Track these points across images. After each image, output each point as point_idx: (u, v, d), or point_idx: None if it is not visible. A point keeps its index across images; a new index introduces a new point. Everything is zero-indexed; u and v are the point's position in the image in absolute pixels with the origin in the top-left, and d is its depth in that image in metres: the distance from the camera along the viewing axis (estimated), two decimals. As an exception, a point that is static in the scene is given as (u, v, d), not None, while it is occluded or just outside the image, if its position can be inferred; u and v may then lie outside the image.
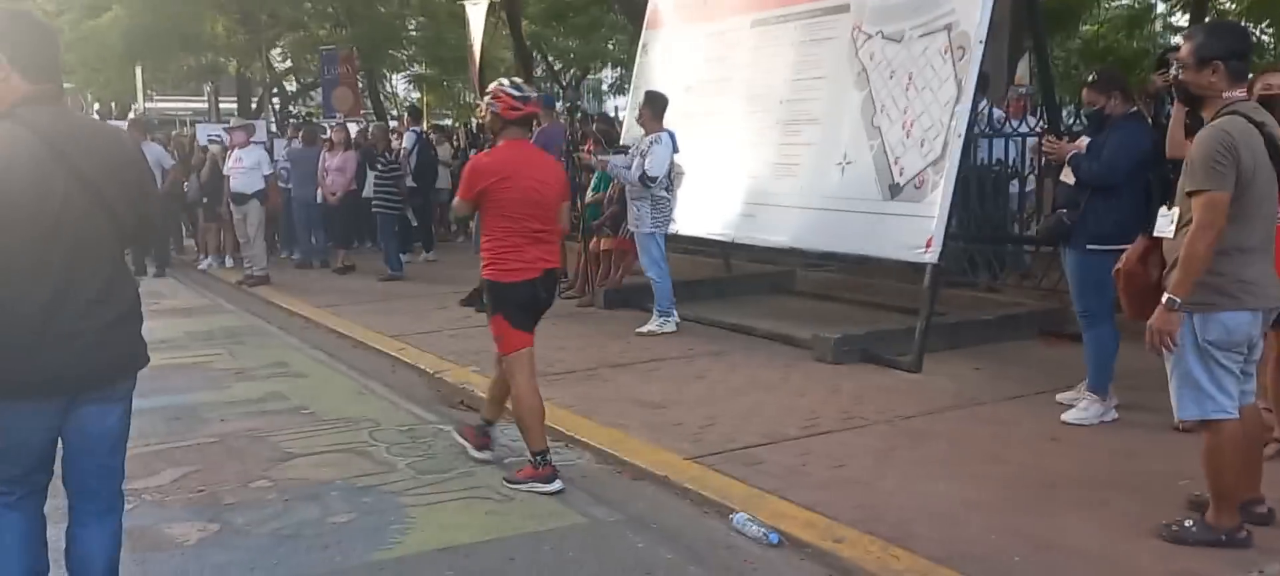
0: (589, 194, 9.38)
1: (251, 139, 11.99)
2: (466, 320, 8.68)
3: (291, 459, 5.14)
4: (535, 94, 4.98)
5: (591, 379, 6.47)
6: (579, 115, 12.07)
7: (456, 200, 4.86)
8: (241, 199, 11.44)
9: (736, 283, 9.50)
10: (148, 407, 6.03)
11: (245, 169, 11.42)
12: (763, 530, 4.01)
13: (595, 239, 9.22)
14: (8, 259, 2.76)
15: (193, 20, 20.38)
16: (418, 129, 13.20)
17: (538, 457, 4.62)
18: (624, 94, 30.45)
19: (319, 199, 12.34)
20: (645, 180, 7.38)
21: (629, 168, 7.55)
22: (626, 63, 28.51)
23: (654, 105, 7.56)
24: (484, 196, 4.59)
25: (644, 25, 9.86)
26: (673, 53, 9.31)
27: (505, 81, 4.83)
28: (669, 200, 7.64)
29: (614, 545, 4.00)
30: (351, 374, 7.13)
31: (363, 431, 5.61)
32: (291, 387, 6.67)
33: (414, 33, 21.13)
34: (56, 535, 3.05)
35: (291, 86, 32.08)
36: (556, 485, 4.56)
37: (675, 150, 7.50)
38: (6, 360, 2.80)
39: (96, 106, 33.48)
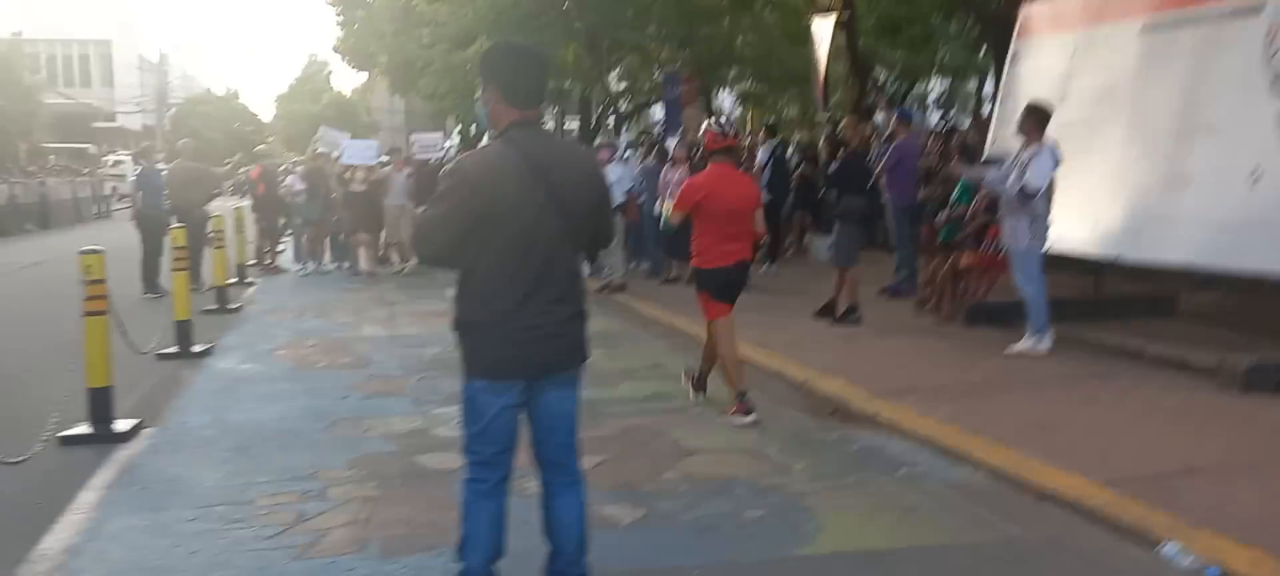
0: (949, 209, 9.23)
1: (614, 156, 12.82)
2: (824, 332, 8.81)
3: (692, 454, 5.50)
4: (734, 131, 6.45)
5: (971, 396, 6.38)
6: (950, 129, 11.78)
7: (672, 210, 6.19)
8: (603, 211, 12.29)
9: (1111, 303, 8.97)
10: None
11: (609, 184, 12.27)
12: (1198, 562, 3.81)
13: (956, 254, 9.06)
14: (493, 258, 3.24)
15: (553, 47, 22.05)
16: (772, 143, 13.53)
17: (739, 396, 6.09)
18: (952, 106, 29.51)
19: (659, 211, 13.00)
20: (1025, 194, 7.17)
21: (1005, 181, 7.35)
22: (959, 72, 27.62)
23: (1037, 116, 7.31)
24: (697, 209, 6.06)
25: (1015, 35, 9.58)
26: (1047, 62, 8.96)
27: (713, 121, 6.30)
28: (1046, 215, 7.37)
29: (1038, 565, 3.96)
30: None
31: (750, 433, 5.89)
32: (673, 388, 7.10)
33: (745, 51, 21.55)
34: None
35: (625, 106, 33.80)
36: (753, 418, 6.00)
37: (1058, 163, 7.22)
38: (487, 345, 3.29)
39: (458, 128, 37.09)
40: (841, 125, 9.48)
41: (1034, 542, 4.17)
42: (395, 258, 15.32)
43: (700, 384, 6.69)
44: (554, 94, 28.83)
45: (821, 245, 14.61)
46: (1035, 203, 7.23)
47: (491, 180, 3.21)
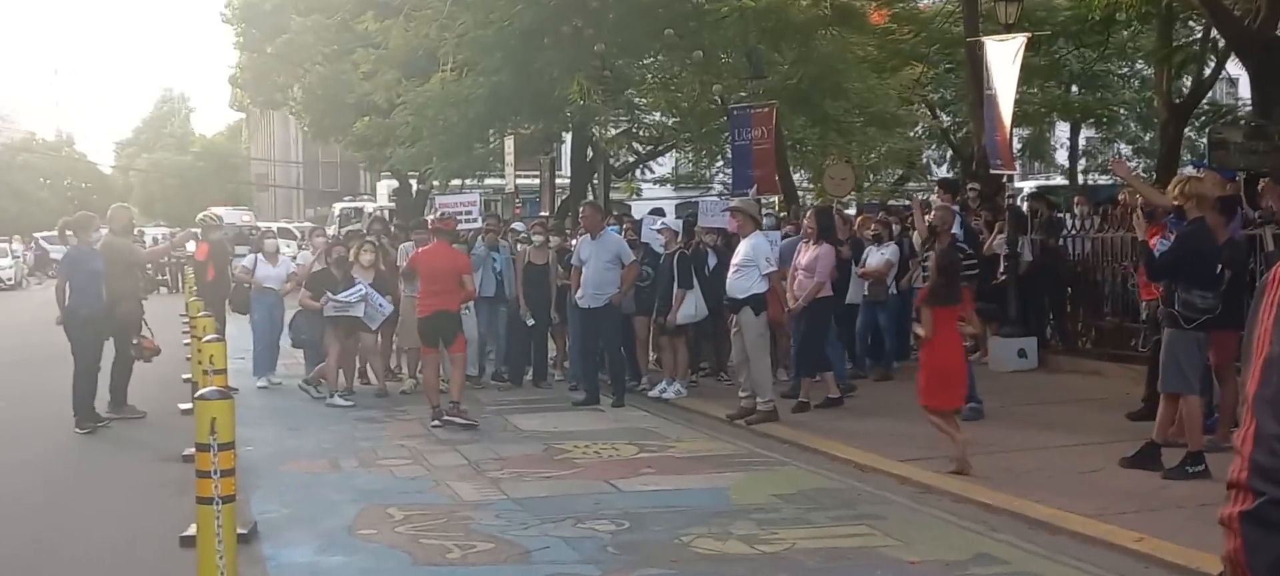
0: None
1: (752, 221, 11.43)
2: (1183, 496, 7.46)
3: None
4: (443, 217, 13.00)
5: None
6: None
7: (404, 267, 12.80)
8: (734, 305, 10.80)
9: None
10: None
11: (738, 264, 10.81)
12: None
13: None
14: None
15: (557, 78, 20.55)
16: (955, 206, 12.32)
17: (434, 410, 11.06)
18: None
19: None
20: None
21: None
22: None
23: None
24: (418, 270, 11.75)
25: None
26: None
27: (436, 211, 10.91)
28: None
29: None
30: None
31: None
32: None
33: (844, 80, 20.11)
34: None
35: (624, 156, 32.59)
36: (435, 424, 10.93)
37: None
38: None
39: (393, 184, 35.36)
40: (1179, 184, 8.10)
41: None
42: (406, 369, 13.85)
43: (438, 415, 10.99)
44: (545, 140, 27.52)
45: (1007, 349, 13.40)
46: None
47: None
